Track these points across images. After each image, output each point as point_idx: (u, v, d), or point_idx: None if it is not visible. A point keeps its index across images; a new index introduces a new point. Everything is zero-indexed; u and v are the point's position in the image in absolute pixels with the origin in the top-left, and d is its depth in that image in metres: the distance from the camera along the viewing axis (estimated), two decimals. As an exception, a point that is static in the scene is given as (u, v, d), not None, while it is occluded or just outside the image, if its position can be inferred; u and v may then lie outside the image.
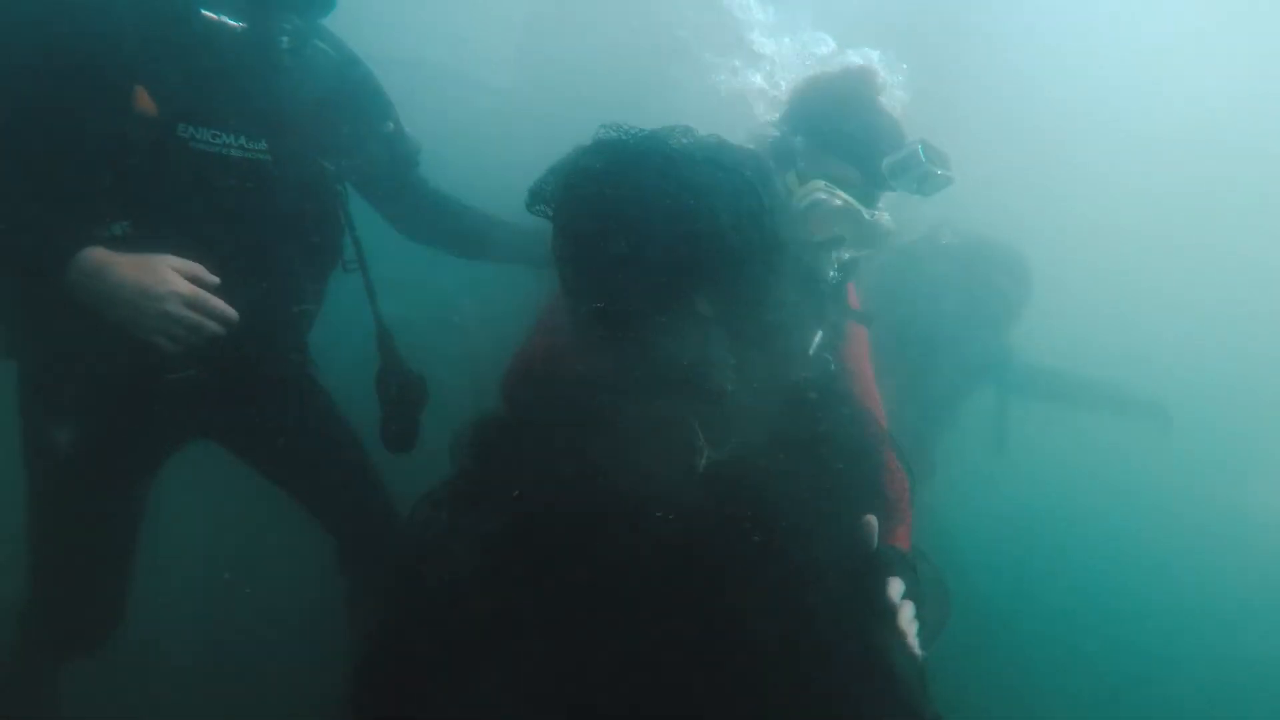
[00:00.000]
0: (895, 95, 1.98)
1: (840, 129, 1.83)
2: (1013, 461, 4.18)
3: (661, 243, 1.26)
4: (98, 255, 1.65)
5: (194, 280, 1.70)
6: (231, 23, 1.78)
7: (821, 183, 1.80)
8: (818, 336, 1.80)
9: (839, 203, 1.80)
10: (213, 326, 1.72)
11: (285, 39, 1.86)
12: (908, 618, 1.26)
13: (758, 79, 2.26)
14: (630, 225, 1.27)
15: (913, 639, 1.27)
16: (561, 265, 1.37)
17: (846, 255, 1.86)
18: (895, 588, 1.26)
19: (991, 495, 4.85)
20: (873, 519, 1.27)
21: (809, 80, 1.96)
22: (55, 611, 2.18)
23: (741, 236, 1.31)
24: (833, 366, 1.84)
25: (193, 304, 1.69)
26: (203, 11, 1.75)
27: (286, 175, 1.95)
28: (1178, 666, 4.98)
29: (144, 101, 1.72)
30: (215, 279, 1.73)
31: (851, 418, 1.54)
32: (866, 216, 1.83)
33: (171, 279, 1.67)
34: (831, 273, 1.84)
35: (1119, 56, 5.75)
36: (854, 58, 1.98)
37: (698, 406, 1.30)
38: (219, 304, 1.72)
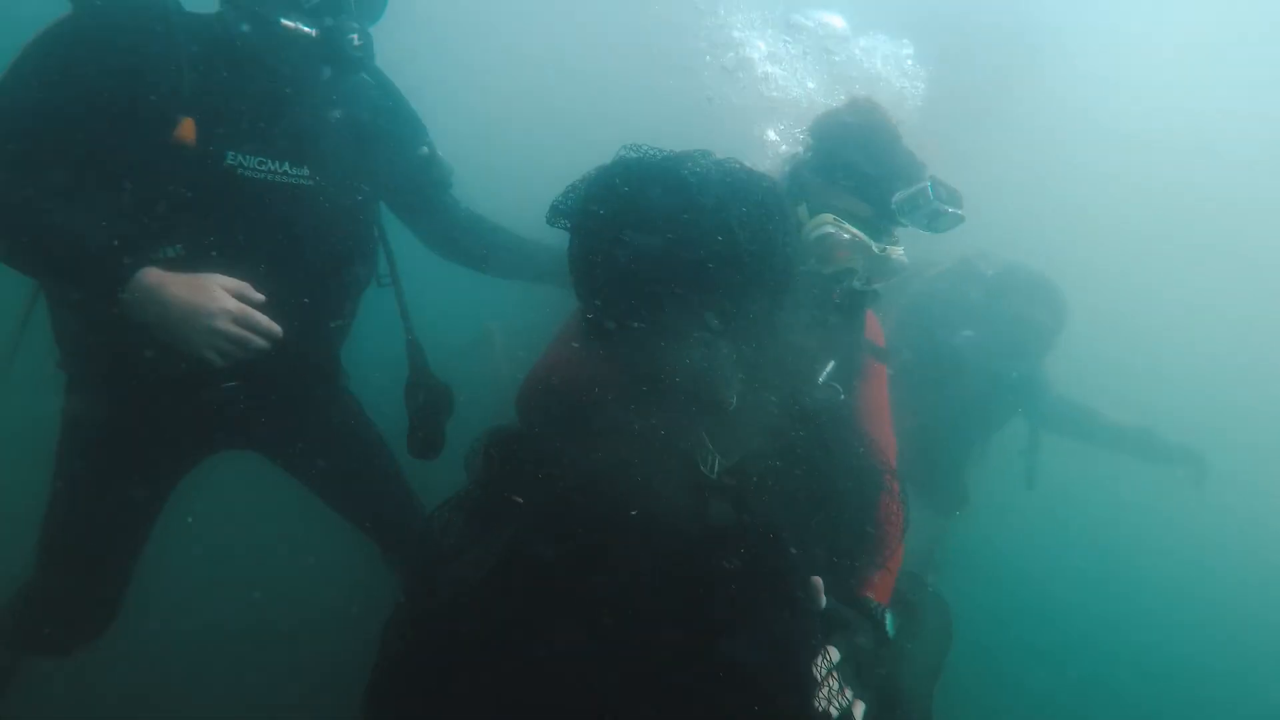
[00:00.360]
0: (915, 89, 2.00)
1: (852, 164, 1.85)
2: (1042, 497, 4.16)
3: (675, 260, 1.32)
4: (152, 275, 1.75)
5: (241, 298, 1.81)
6: (306, 29, 1.88)
7: (830, 216, 1.83)
8: (829, 366, 1.83)
9: (847, 236, 1.82)
10: (259, 342, 1.82)
11: (354, 37, 1.93)
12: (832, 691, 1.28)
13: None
14: (645, 242, 1.32)
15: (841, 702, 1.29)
16: (576, 278, 1.43)
17: (857, 286, 1.89)
18: (829, 656, 1.29)
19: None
20: (819, 582, 1.30)
21: (824, 115, 1.98)
22: (54, 601, 2.21)
23: (754, 257, 1.36)
24: (841, 396, 1.84)
25: (240, 321, 1.79)
26: (283, 21, 1.85)
27: (326, 200, 2.06)
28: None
29: (186, 133, 1.83)
30: (261, 297, 1.83)
31: (854, 444, 1.60)
32: (875, 250, 1.85)
33: (221, 297, 1.78)
34: (836, 300, 1.87)
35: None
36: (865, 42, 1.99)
37: (703, 418, 1.35)
38: (265, 320, 1.83)
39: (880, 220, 1.87)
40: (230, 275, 1.83)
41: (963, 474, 3.88)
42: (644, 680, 1.24)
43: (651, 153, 1.44)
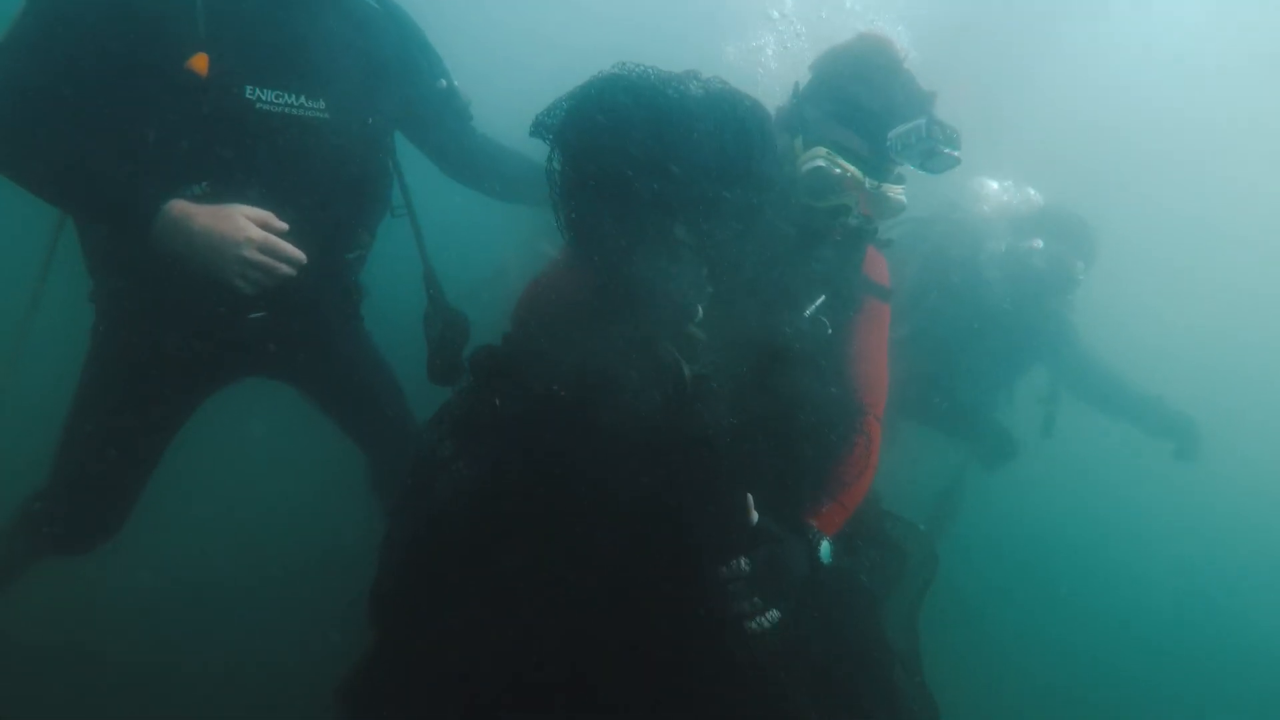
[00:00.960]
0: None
1: (848, 97, 1.83)
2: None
3: (644, 171, 1.35)
4: (179, 208, 1.83)
5: (265, 227, 1.88)
6: None
7: (823, 150, 1.80)
8: (818, 300, 1.83)
9: (839, 171, 1.80)
10: (284, 269, 1.90)
11: None
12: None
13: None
14: (616, 153, 1.36)
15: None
16: (552, 189, 1.48)
17: (853, 223, 1.85)
18: (738, 564, 1.38)
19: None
20: (748, 497, 1.37)
21: (828, 50, 1.95)
22: (65, 502, 2.29)
23: (724, 173, 1.39)
24: (829, 332, 1.83)
25: (266, 248, 1.87)
26: None
27: (342, 132, 2.11)
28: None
29: (202, 67, 1.87)
30: (284, 225, 1.91)
31: (828, 379, 1.62)
32: (868, 187, 1.83)
33: (246, 226, 1.86)
34: (836, 237, 1.85)
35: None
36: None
37: (667, 326, 1.37)
38: (290, 248, 1.90)
39: (877, 158, 1.84)
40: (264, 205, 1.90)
41: (991, 417, 3.87)
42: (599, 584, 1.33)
43: (634, 69, 1.46)
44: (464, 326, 2.34)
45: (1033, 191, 3.65)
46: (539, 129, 1.51)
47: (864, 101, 1.83)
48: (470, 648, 1.39)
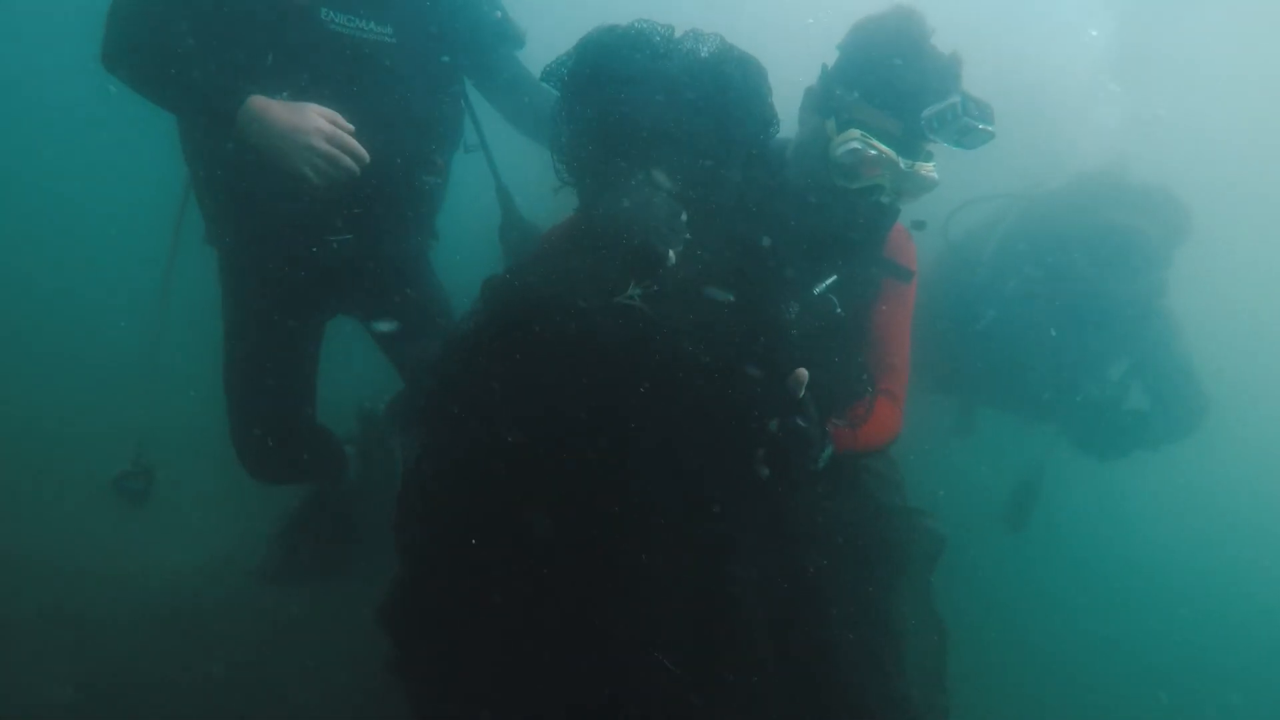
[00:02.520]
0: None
1: (878, 77, 1.81)
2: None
3: (623, 111, 1.42)
4: (258, 101, 2.05)
5: (333, 124, 2.08)
6: None
7: (857, 132, 1.80)
8: (830, 279, 1.84)
9: (874, 152, 1.80)
10: (347, 161, 2.09)
11: None
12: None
13: None
14: (603, 99, 1.44)
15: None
16: (551, 134, 1.57)
17: (884, 201, 1.86)
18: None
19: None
20: (803, 372, 1.37)
21: (854, 27, 1.93)
22: (245, 426, 2.58)
23: (704, 121, 1.44)
24: (837, 310, 1.85)
25: (331, 139, 2.07)
26: None
27: (408, 56, 2.30)
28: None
29: None
30: (351, 126, 2.11)
31: (830, 353, 1.62)
32: (903, 167, 1.82)
33: (314, 118, 2.07)
34: (860, 218, 1.86)
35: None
36: None
37: (636, 266, 1.37)
38: (352, 142, 2.10)
39: (910, 136, 1.83)
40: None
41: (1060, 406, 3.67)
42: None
43: (642, 22, 1.54)
44: (537, 235, 2.46)
45: (1119, 166, 3.43)
46: (548, 76, 1.62)
47: (895, 81, 1.81)
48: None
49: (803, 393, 1.37)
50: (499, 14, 2.48)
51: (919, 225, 2.06)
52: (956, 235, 3.67)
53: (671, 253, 1.38)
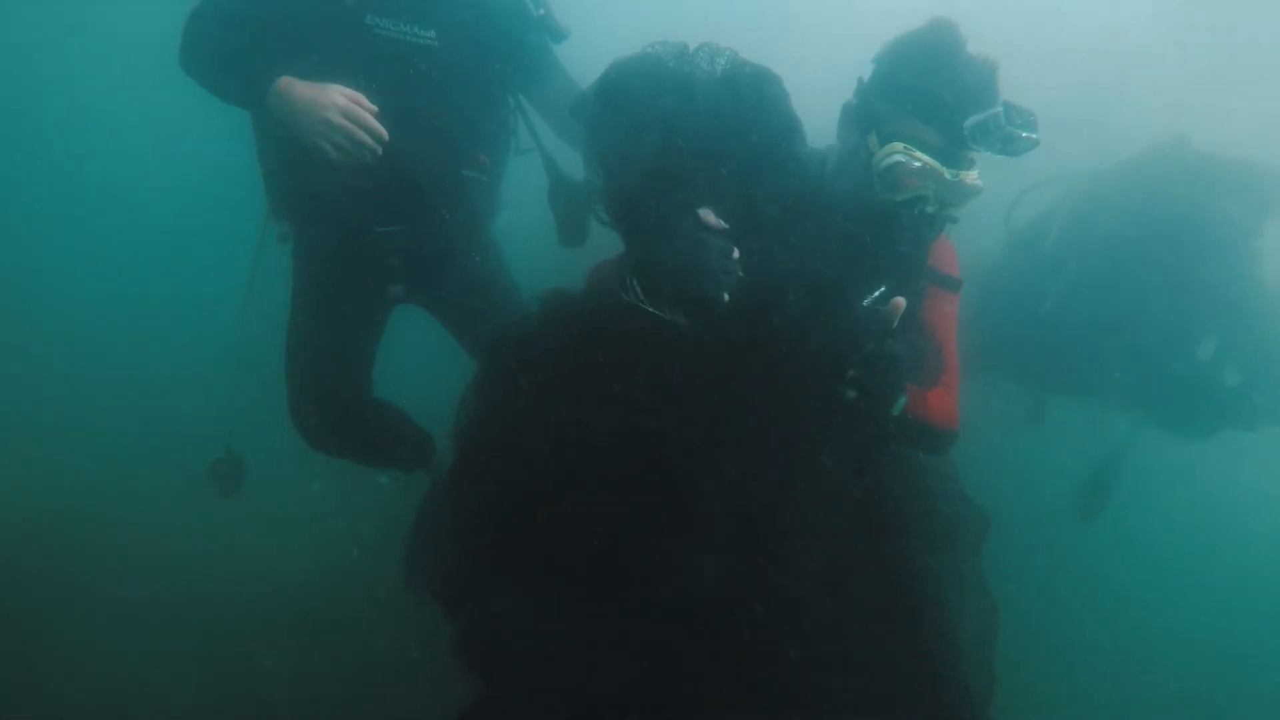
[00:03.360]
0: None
1: (917, 89, 1.82)
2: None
3: (661, 155, 1.45)
4: (286, 80, 2.18)
5: (354, 102, 2.19)
6: None
7: (900, 145, 1.81)
8: (878, 290, 1.85)
9: (917, 164, 1.80)
10: (364, 137, 2.19)
11: None
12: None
13: None
14: (635, 141, 1.46)
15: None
16: (589, 173, 1.60)
17: (930, 211, 1.86)
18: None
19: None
20: (901, 301, 1.45)
21: (892, 41, 1.93)
22: (299, 399, 2.69)
23: (740, 152, 1.47)
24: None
25: (348, 115, 2.17)
26: None
27: (451, 59, 2.40)
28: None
29: None
30: (373, 106, 2.21)
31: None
32: (948, 177, 1.82)
33: (334, 96, 2.17)
34: (907, 228, 1.87)
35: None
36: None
37: (690, 310, 1.43)
38: (371, 120, 2.20)
39: (952, 146, 1.83)
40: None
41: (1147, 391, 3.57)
42: None
43: (655, 49, 1.55)
44: (585, 195, 2.55)
45: (1193, 138, 3.30)
46: (575, 114, 1.65)
47: (936, 93, 1.81)
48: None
49: (896, 321, 1.45)
50: (542, 11, 2.55)
51: (952, 220, 2.04)
52: (1019, 224, 3.61)
53: (726, 295, 1.43)
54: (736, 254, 1.50)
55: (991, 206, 3.31)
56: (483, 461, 1.59)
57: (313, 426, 2.74)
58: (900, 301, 1.49)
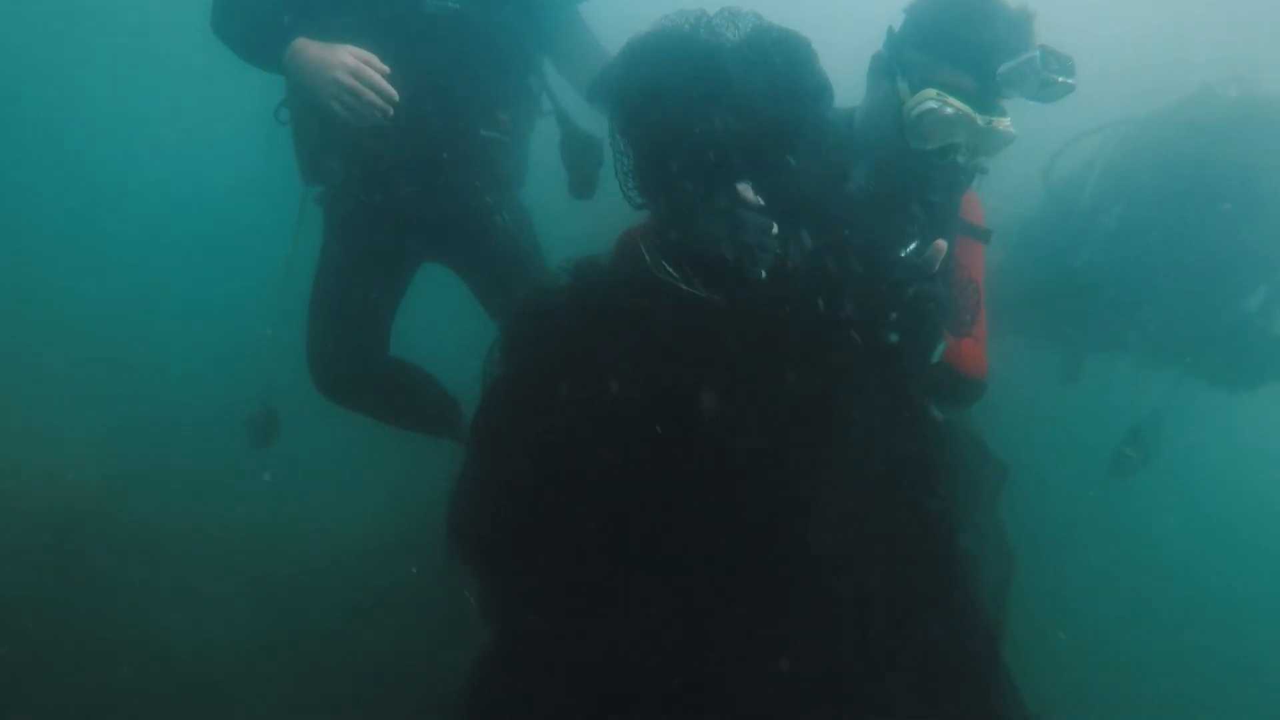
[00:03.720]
0: None
1: (949, 34, 1.78)
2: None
3: (690, 130, 1.40)
4: (300, 41, 2.25)
5: (365, 63, 2.22)
6: None
7: (933, 91, 1.77)
8: (912, 245, 1.85)
9: (950, 111, 1.77)
10: (372, 96, 2.22)
11: None
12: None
13: None
14: (664, 118, 1.42)
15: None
16: (615, 156, 1.57)
17: (961, 161, 1.83)
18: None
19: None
20: (943, 243, 1.45)
21: None
22: (320, 346, 2.75)
23: (774, 126, 1.43)
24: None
25: (357, 75, 2.20)
26: None
27: (473, 19, 2.43)
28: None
29: None
30: (385, 68, 2.24)
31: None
32: (980, 124, 1.78)
33: (343, 55, 2.21)
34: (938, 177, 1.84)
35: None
36: None
37: (732, 287, 1.41)
38: (380, 80, 2.23)
39: (985, 92, 1.79)
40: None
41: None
42: None
43: (675, 23, 1.51)
44: (597, 147, 2.56)
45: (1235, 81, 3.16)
46: (595, 93, 1.60)
47: (971, 37, 1.77)
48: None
49: (939, 264, 1.45)
50: None
51: (982, 170, 2.00)
52: (1058, 178, 3.52)
53: (763, 272, 1.41)
54: (775, 229, 1.45)
55: (1029, 160, 3.21)
56: (511, 426, 1.58)
57: (327, 376, 2.79)
58: (942, 244, 1.48)
